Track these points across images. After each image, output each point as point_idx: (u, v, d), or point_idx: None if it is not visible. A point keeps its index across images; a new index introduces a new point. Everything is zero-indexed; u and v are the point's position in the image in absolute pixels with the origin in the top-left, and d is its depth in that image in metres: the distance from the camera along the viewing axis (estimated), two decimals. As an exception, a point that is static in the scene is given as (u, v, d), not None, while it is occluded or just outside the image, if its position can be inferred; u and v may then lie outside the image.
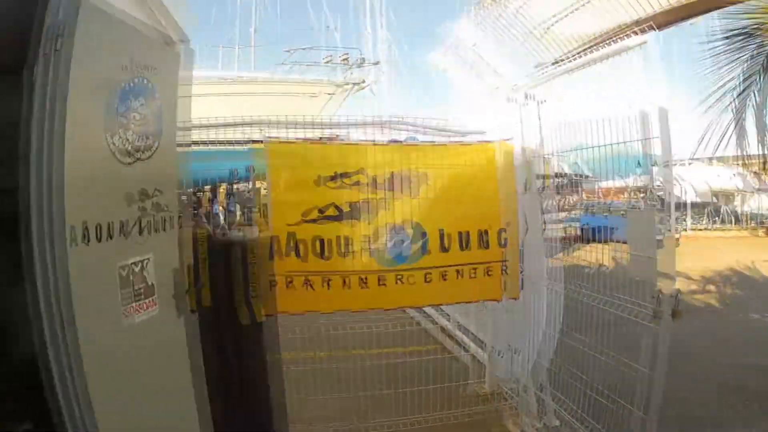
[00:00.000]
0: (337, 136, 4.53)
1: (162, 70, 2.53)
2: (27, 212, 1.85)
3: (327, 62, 17.36)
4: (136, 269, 2.38)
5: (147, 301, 2.43)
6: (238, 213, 3.90)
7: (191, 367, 2.82)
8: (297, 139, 4.12)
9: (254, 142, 3.96)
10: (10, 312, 1.90)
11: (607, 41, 3.59)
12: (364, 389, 4.34)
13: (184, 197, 3.14)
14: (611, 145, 3.69)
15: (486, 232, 4.27)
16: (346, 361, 4.48)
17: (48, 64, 1.88)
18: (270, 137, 3.98)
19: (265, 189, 4.03)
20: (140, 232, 2.42)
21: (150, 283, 2.47)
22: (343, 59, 17.34)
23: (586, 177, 5.27)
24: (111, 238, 2.20)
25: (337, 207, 4.04)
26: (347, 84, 16.58)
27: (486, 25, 4.64)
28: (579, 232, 5.28)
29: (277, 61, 17.63)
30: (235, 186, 4.59)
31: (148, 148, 2.44)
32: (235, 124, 4.00)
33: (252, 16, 21.33)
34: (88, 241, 2.05)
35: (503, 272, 4.32)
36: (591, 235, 4.75)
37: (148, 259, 2.46)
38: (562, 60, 4.19)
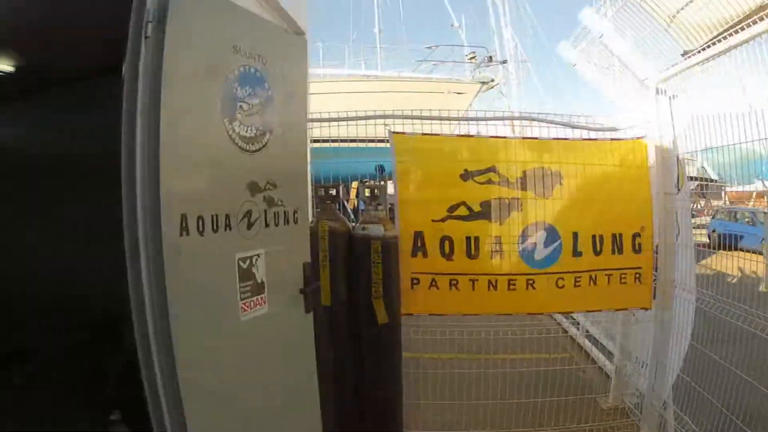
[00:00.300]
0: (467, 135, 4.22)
1: (274, 61, 2.37)
2: (132, 203, 1.77)
3: (454, 61, 16.80)
4: (245, 265, 2.23)
5: (256, 298, 2.27)
6: (363, 210, 3.69)
7: (304, 368, 2.67)
8: (425, 134, 3.87)
9: (379, 141, 3.75)
10: (115, 303, 1.81)
11: (741, 26, 3.02)
12: (486, 397, 4.02)
13: (306, 193, 2.99)
14: (746, 143, 3.18)
15: (620, 236, 3.85)
16: (469, 366, 4.17)
17: (146, 52, 1.78)
18: (396, 132, 3.76)
19: (392, 186, 3.81)
20: (249, 226, 2.26)
21: (260, 281, 2.31)
22: (471, 57, 16.74)
23: (713, 181, 4.69)
24: (215, 230, 2.05)
25: (467, 206, 3.75)
26: (476, 83, 15.93)
27: (612, 15, 4.15)
28: (707, 239, 4.66)
29: (403, 61, 17.29)
30: (363, 183, 4.43)
31: (258, 139, 2.29)
32: (357, 118, 3.82)
33: (375, 17, 21.24)
34: (188, 232, 1.91)
35: (636, 280, 3.88)
36: (720, 242, 4.17)
37: (258, 255, 2.31)
38: (693, 50, 3.68)
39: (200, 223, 1.97)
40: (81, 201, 3.15)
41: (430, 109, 3.93)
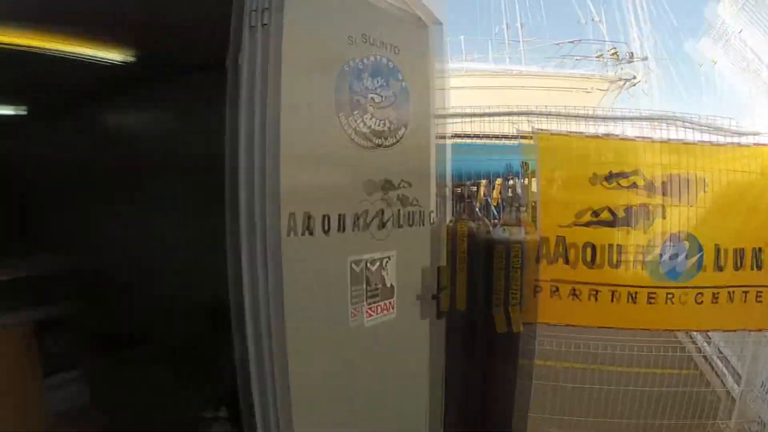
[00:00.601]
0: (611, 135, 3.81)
1: (408, 51, 2.13)
2: (234, 201, 1.62)
3: (598, 56, 15.51)
4: (373, 267, 2.01)
5: (383, 303, 2.05)
6: (507, 211, 3.39)
7: (430, 376, 2.44)
8: (570, 132, 3.51)
9: (522, 137, 3.42)
10: (217, 303, 1.68)
11: None
12: (612, 414, 3.66)
13: (443, 191, 2.72)
14: None
15: (760, 250, 3.33)
16: (591, 381, 3.79)
17: (256, 42, 1.63)
18: (540, 129, 3.43)
19: (534, 186, 3.49)
20: (381, 227, 2.03)
21: (389, 285, 2.09)
22: (612, 53, 15.40)
23: None
24: (342, 230, 1.84)
25: (611, 211, 3.35)
26: (619, 80, 14.64)
27: (749, 9, 3.54)
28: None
29: (545, 55, 16.18)
30: (507, 180, 4.13)
31: (392, 134, 2.05)
32: (500, 114, 3.53)
33: (516, 10, 20.13)
34: (312, 232, 1.72)
35: (756, 298, 3.35)
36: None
37: (389, 257, 2.08)
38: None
39: (325, 222, 1.78)
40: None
41: (575, 106, 3.56)
